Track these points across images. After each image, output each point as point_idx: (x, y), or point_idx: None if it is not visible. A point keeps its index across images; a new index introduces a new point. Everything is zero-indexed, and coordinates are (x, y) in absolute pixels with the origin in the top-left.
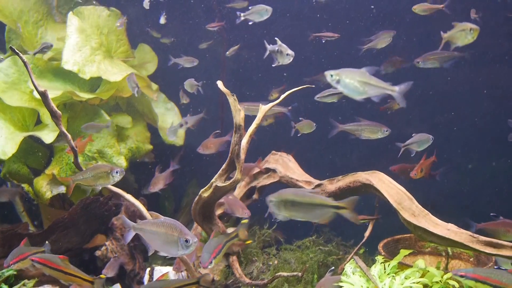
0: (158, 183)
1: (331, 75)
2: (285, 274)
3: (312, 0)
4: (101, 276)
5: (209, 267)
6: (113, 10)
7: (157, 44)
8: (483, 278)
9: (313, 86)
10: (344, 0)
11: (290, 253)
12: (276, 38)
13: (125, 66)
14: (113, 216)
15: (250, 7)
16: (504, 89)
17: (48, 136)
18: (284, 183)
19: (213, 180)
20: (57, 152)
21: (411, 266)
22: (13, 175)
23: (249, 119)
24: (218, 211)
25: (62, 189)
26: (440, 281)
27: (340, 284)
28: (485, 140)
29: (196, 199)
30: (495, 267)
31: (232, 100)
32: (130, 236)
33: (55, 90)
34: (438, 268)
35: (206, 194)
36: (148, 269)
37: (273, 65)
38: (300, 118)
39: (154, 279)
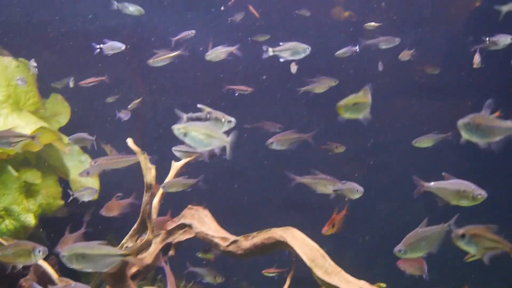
0: (67, 244)
1: (178, 129)
2: None
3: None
4: None
5: None
6: (22, 61)
7: (71, 93)
8: None
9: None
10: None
11: None
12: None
13: (34, 119)
14: (21, 277)
15: (281, 43)
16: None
17: None
18: (200, 239)
19: (123, 241)
20: None
21: None
22: None
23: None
24: (132, 270)
25: None
26: None
27: None
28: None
29: None
30: None
31: (142, 158)
32: None
33: None
34: None
35: None
36: None
37: None
38: None
39: None
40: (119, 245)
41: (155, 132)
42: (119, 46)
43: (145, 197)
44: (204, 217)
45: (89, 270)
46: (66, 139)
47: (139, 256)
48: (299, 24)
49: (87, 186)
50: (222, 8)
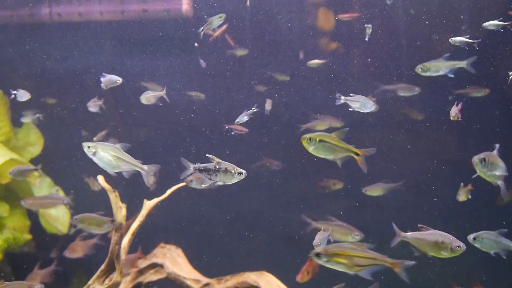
0: (35, 281)
1: (88, 147)
2: None
3: None
4: None
5: None
6: None
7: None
8: None
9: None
10: None
11: None
12: None
13: (4, 150)
14: None
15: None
16: None
17: None
18: (172, 280)
19: (90, 282)
20: None
21: None
22: None
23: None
24: None
25: None
26: None
27: None
28: None
29: None
30: None
31: (113, 196)
32: None
33: None
34: None
35: None
36: None
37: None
38: None
39: None
40: (85, 286)
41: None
42: (116, 80)
43: (114, 237)
44: (176, 257)
45: None
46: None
47: None
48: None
49: (57, 219)
50: (196, 44)
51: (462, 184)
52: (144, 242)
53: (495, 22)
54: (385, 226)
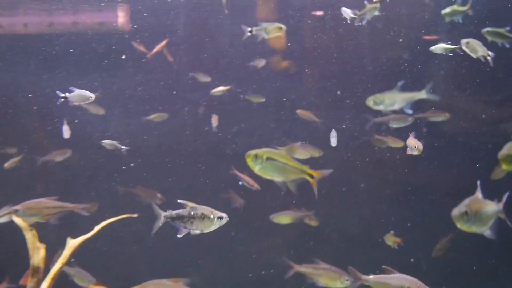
0: None
1: None
2: None
3: None
4: None
5: None
6: None
7: None
8: None
9: None
10: None
11: None
12: None
13: None
14: None
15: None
16: None
17: None
18: None
19: None
20: None
21: None
22: None
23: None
24: None
25: None
26: None
27: None
28: None
29: None
30: None
31: (30, 235)
32: None
33: None
34: None
35: None
36: None
37: None
38: None
39: None
40: None
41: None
42: (88, 96)
43: (30, 283)
44: None
45: None
46: None
47: None
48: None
49: None
50: (123, 56)
51: (392, 231)
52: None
53: (443, 45)
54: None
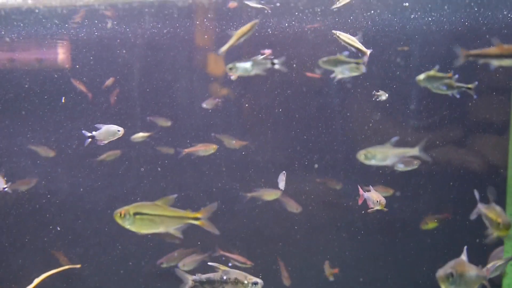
0: None
1: None
2: None
3: None
4: None
5: None
6: None
7: None
8: None
9: None
10: None
11: None
12: None
13: None
14: None
15: None
16: None
17: None
18: None
19: None
20: None
21: None
22: None
23: None
24: None
25: None
26: None
27: None
28: None
29: None
30: None
31: None
32: None
33: None
34: None
35: None
36: None
37: None
38: None
39: None
40: None
41: None
42: (116, 130)
43: None
44: None
45: None
46: None
47: None
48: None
49: None
50: (63, 99)
51: (327, 262)
52: None
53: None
54: None
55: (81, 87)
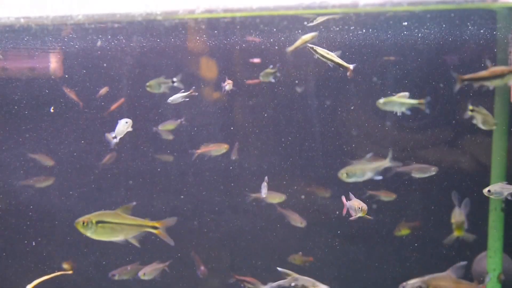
0: None
1: None
2: None
3: None
4: None
5: None
6: None
7: None
8: None
9: None
10: None
11: None
12: None
13: None
14: None
15: None
16: None
17: None
18: None
19: None
20: None
21: None
22: None
23: None
24: None
25: None
26: None
27: None
28: None
29: None
30: None
31: None
32: None
33: None
34: None
35: None
36: None
37: None
38: None
39: None
40: None
41: None
42: (125, 122)
43: None
44: None
45: None
46: None
47: None
48: None
49: None
50: (52, 109)
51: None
52: None
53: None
54: None
55: (72, 95)
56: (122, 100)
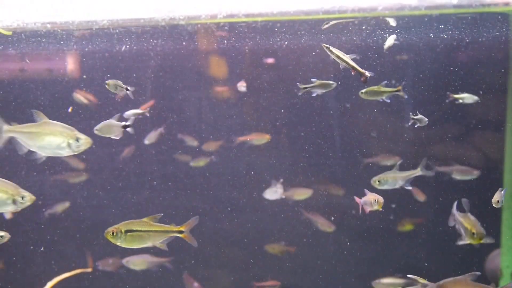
0: None
1: None
2: None
3: None
4: None
5: None
6: None
7: None
8: None
9: None
10: None
11: None
12: None
13: None
14: None
15: None
16: None
17: None
18: None
19: None
20: None
21: None
22: None
23: None
24: None
25: None
26: None
27: None
28: None
29: None
30: None
31: None
32: None
33: None
34: None
35: None
36: None
37: None
38: None
39: None
40: None
41: None
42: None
43: None
44: None
45: None
46: None
47: None
48: None
49: None
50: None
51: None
52: None
53: None
54: None
55: (88, 97)
56: (151, 102)
